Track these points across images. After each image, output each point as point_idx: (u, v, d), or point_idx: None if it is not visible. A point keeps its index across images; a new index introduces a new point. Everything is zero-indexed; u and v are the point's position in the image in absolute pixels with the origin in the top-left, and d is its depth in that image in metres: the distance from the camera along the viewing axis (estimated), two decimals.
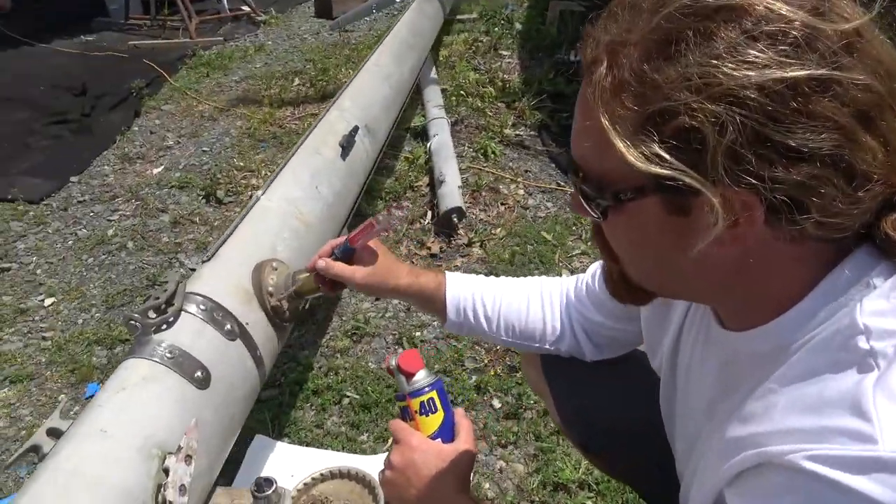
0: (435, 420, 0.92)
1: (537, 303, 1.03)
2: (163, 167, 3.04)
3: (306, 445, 1.64)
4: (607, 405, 1.03)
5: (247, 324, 1.07)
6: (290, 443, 1.65)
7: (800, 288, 0.54)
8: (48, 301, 2.19)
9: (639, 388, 0.95)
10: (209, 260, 1.13)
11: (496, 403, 1.77)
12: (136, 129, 3.44)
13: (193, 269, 1.71)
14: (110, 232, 2.55)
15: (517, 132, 3.33)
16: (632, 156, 0.49)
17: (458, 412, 0.95)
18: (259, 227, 1.26)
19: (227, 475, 1.55)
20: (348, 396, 1.79)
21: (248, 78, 4.12)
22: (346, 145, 1.66)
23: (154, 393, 0.87)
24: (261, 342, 1.09)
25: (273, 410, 1.73)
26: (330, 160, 1.59)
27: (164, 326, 0.96)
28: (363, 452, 1.63)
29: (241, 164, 2.99)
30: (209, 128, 3.43)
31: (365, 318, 2.06)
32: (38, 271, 2.35)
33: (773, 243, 0.51)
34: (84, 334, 2.04)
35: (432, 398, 0.93)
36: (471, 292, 1.02)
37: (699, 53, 0.46)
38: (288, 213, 1.34)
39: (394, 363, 0.94)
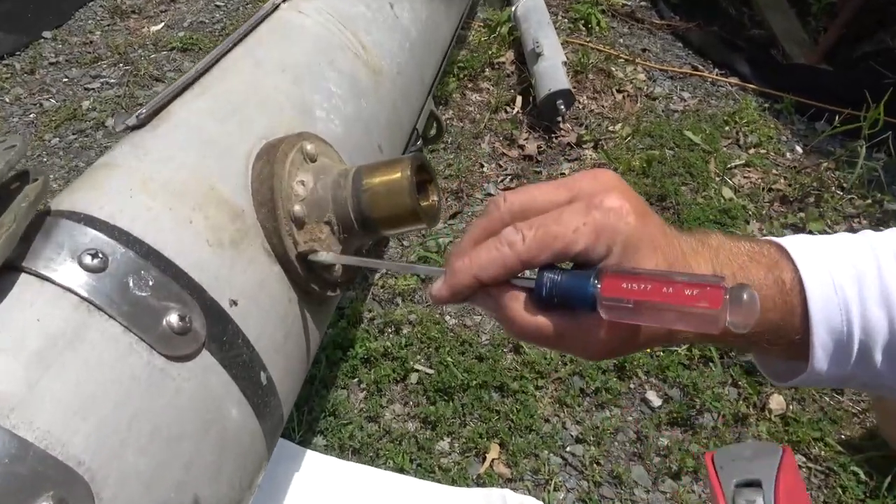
0: None
1: None
2: (163, 24, 2.32)
3: (352, 454, 1.02)
4: None
5: (234, 303, 0.40)
6: (325, 448, 1.02)
7: None
8: None
9: None
10: (141, 126, 0.44)
11: (653, 399, 1.12)
12: None
13: None
14: (86, 104, 1.88)
15: (626, 1, 2.52)
16: None
17: None
18: (274, 62, 0.56)
19: None
20: (417, 371, 1.15)
21: None
22: None
23: None
24: (268, 350, 0.42)
25: (302, 389, 1.10)
26: None
27: None
28: (444, 472, 1.00)
29: None
30: None
31: (437, 244, 1.39)
32: None
33: None
34: None
35: None
36: (882, 303, 0.34)
37: None
38: (338, 42, 0.63)
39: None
